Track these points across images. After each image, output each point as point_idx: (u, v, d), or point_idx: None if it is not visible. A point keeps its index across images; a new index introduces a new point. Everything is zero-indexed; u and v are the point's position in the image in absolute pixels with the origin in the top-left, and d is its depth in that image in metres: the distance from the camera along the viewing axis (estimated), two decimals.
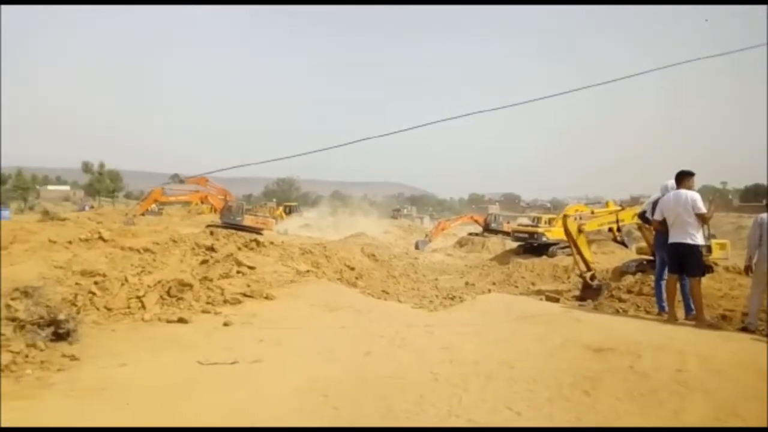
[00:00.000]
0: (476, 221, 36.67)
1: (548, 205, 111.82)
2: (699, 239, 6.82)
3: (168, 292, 7.32)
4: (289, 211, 49.57)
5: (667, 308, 7.19)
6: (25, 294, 5.45)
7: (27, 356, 4.71)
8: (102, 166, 76.37)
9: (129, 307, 6.74)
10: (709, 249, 9.18)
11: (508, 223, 34.88)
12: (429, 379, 4.61)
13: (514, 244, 25.16)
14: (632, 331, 6.21)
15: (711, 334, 6.12)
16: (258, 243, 11.55)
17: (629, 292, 8.97)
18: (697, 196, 6.82)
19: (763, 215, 6.58)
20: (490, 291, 12.87)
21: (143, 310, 6.74)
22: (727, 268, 9.87)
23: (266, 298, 7.85)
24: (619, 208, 13.32)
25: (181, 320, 6.51)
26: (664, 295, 7.31)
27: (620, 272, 11.35)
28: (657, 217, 7.27)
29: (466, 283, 15.74)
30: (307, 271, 10.11)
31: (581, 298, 10.53)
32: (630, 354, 5.01)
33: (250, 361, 5.07)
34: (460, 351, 5.45)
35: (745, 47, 7.83)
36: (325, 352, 5.45)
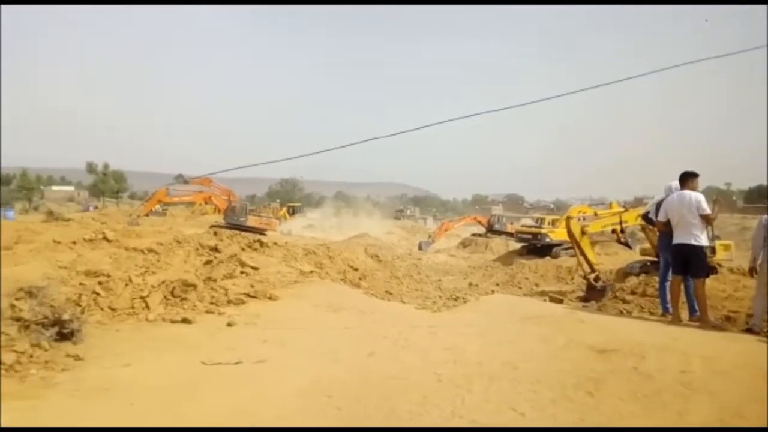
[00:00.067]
0: (479, 222, 36.66)
1: (552, 205, 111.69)
2: (703, 240, 6.79)
3: (172, 293, 7.34)
4: (292, 211, 49.60)
5: (671, 309, 7.17)
6: (30, 294, 5.47)
7: (31, 356, 4.73)
8: (106, 166, 76.61)
9: (133, 308, 6.76)
10: (713, 250, 9.16)
11: (512, 224, 34.85)
12: (432, 379, 4.60)
13: (518, 245, 25.12)
14: (636, 332, 6.19)
15: (715, 335, 6.10)
16: (261, 243, 11.56)
17: (633, 293, 8.95)
18: (701, 197, 6.80)
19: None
20: (493, 292, 12.87)
21: (147, 310, 6.76)
22: (731, 270, 9.85)
23: (270, 298, 7.86)
24: (623, 209, 13.30)
25: (184, 320, 6.52)
26: (668, 297, 7.28)
27: (624, 273, 11.33)
28: (661, 218, 7.25)
29: (470, 284, 15.72)
30: (311, 272, 10.13)
31: (585, 299, 10.52)
32: (634, 355, 4.99)
33: (253, 362, 5.08)
34: (463, 352, 5.44)
35: (744, 49, 7.84)
36: (328, 352, 5.46)
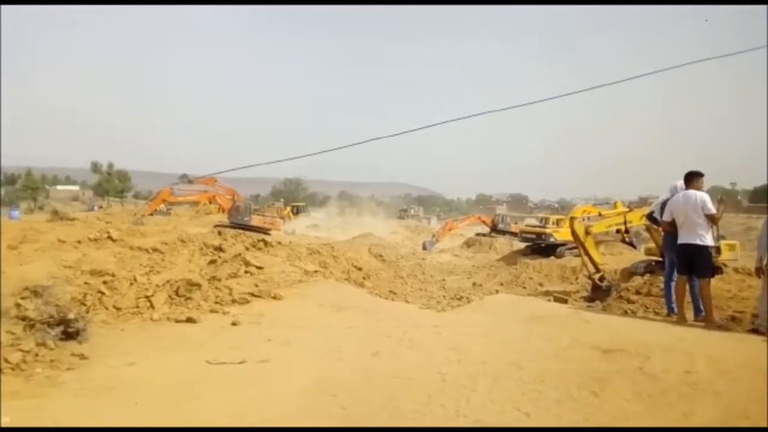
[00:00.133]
0: (484, 222, 36.57)
1: (556, 205, 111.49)
2: (708, 240, 6.78)
3: (176, 292, 7.35)
4: (296, 211, 49.66)
5: (676, 309, 7.15)
6: (35, 293, 5.49)
7: (37, 355, 4.75)
8: (111, 166, 76.78)
9: (138, 307, 6.78)
10: (718, 250, 9.11)
11: (516, 223, 34.74)
12: (437, 379, 4.60)
13: (522, 245, 25.04)
14: (641, 332, 6.19)
15: (720, 335, 6.08)
16: (266, 243, 11.57)
17: (638, 293, 8.93)
18: (706, 197, 6.78)
19: None
20: (497, 292, 12.85)
21: (152, 309, 6.78)
22: (736, 270, 9.80)
23: (274, 298, 7.87)
24: (628, 209, 13.25)
25: (189, 320, 6.53)
26: (674, 297, 7.27)
27: (629, 273, 11.29)
28: (666, 218, 7.23)
29: (474, 284, 15.70)
30: (315, 271, 10.13)
31: (590, 299, 10.49)
32: (639, 355, 4.98)
33: (257, 361, 5.09)
34: (467, 351, 5.44)
35: (745, 50, 7.83)
36: (332, 352, 5.46)
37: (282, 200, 70.39)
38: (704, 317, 6.78)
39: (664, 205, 7.57)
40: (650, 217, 9.45)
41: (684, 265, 6.94)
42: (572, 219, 12.00)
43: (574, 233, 11.31)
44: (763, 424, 3.55)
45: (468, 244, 32.44)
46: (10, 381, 4.28)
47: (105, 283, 7.00)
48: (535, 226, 26.92)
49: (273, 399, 4.17)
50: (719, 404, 3.86)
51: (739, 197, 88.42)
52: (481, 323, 7.03)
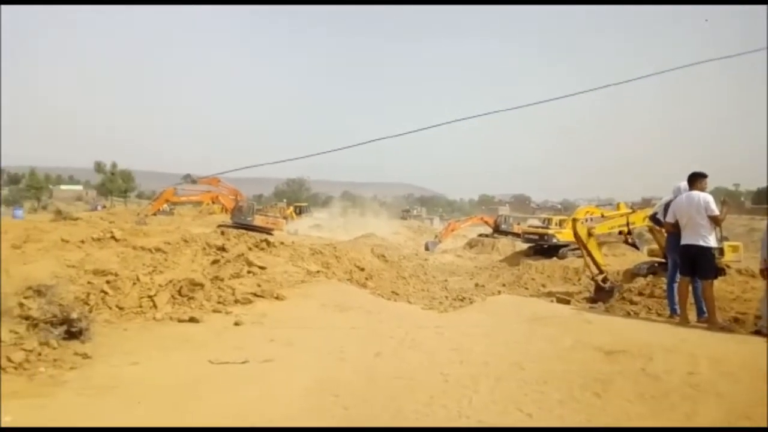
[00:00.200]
0: (486, 222, 36.57)
1: (559, 206, 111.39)
2: (711, 241, 6.76)
3: (179, 292, 7.36)
4: (299, 211, 49.73)
5: (678, 311, 7.14)
6: (39, 293, 5.51)
7: (40, 354, 4.76)
8: (114, 166, 76.94)
9: (141, 306, 6.79)
10: (721, 251, 9.11)
11: (519, 224, 34.72)
12: (439, 380, 4.60)
13: (525, 246, 25.04)
14: (644, 333, 6.17)
15: (723, 336, 6.06)
16: (268, 243, 11.58)
17: (641, 294, 8.93)
18: (709, 198, 6.76)
19: None
20: (500, 292, 12.87)
21: (155, 309, 6.79)
22: (739, 271, 9.80)
23: (277, 298, 7.87)
24: (630, 210, 13.25)
25: (192, 319, 6.54)
26: (676, 298, 7.25)
27: (631, 274, 11.30)
28: (669, 219, 7.22)
29: (476, 285, 15.72)
30: (318, 272, 10.13)
31: (593, 300, 10.49)
32: (641, 356, 4.97)
33: (260, 361, 5.09)
34: (470, 352, 5.44)
35: (746, 51, 7.83)
36: (335, 352, 5.46)
37: (285, 200, 70.48)
38: (707, 319, 6.76)
39: (667, 206, 7.55)
40: (653, 218, 9.45)
41: (687, 266, 6.92)
42: (574, 221, 12.00)
43: (576, 235, 11.32)
44: (765, 425, 3.55)
45: (470, 244, 32.47)
46: (13, 380, 4.29)
47: (108, 282, 7.02)
48: (537, 227, 26.90)
49: (275, 399, 4.17)
50: (722, 405, 3.85)
51: (742, 198, 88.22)
52: (483, 324, 7.03)
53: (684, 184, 7.27)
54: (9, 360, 4.52)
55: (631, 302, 8.70)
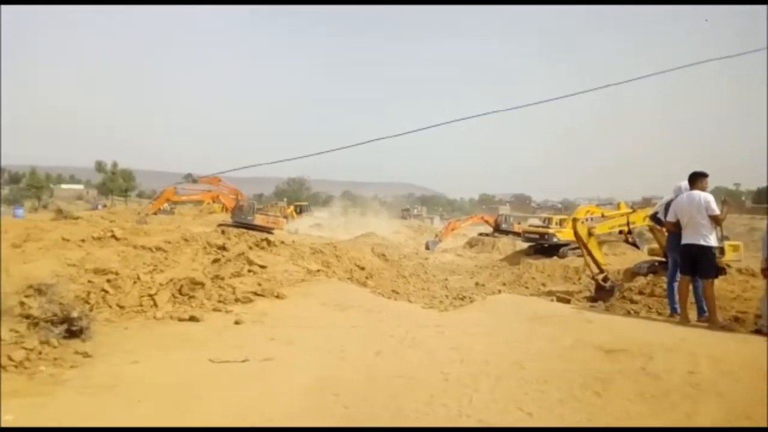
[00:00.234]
0: (487, 222, 36.57)
1: (559, 205, 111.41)
2: (712, 241, 6.76)
3: (180, 291, 7.37)
4: (300, 210, 49.76)
5: (679, 310, 7.14)
6: (39, 291, 5.52)
7: (40, 353, 4.77)
8: (115, 165, 76.93)
9: (141, 305, 6.79)
10: (722, 251, 9.12)
11: (519, 223, 34.73)
12: (439, 379, 4.60)
13: (525, 245, 25.04)
14: (644, 332, 6.17)
15: (723, 336, 6.06)
16: (269, 242, 11.58)
17: (641, 293, 8.93)
18: (710, 198, 6.76)
19: None
20: (500, 292, 12.86)
21: (155, 308, 6.79)
22: (740, 270, 9.79)
23: (277, 297, 7.88)
24: (631, 210, 13.25)
25: (192, 318, 6.55)
26: (677, 297, 7.25)
27: (632, 273, 11.30)
28: (670, 218, 7.22)
29: (477, 284, 15.72)
30: (318, 271, 10.14)
31: (593, 299, 10.49)
32: (642, 355, 4.97)
33: (261, 360, 5.09)
34: (470, 351, 5.44)
35: (746, 51, 7.83)
36: (335, 351, 5.46)
37: (285, 200, 70.47)
38: (707, 318, 6.76)
39: (668, 205, 7.55)
40: (654, 217, 9.45)
41: (687, 265, 6.92)
42: (574, 220, 11.99)
43: (576, 234, 11.31)
44: (765, 425, 3.55)
45: (471, 244, 32.46)
46: (13, 379, 4.30)
47: (108, 281, 7.02)
48: (538, 227, 26.91)
49: (276, 398, 4.17)
50: (722, 405, 3.85)
51: (742, 198, 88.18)
52: (483, 323, 7.03)
53: (685, 183, 7.27)
54: (9, 359, 4.52)
55: (632, 301, 8.70)
